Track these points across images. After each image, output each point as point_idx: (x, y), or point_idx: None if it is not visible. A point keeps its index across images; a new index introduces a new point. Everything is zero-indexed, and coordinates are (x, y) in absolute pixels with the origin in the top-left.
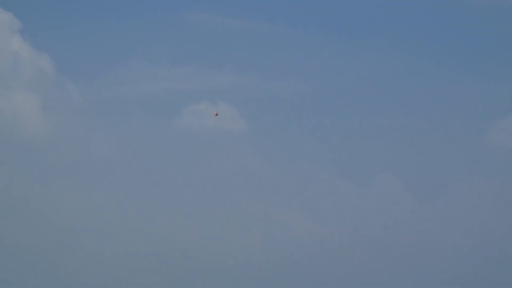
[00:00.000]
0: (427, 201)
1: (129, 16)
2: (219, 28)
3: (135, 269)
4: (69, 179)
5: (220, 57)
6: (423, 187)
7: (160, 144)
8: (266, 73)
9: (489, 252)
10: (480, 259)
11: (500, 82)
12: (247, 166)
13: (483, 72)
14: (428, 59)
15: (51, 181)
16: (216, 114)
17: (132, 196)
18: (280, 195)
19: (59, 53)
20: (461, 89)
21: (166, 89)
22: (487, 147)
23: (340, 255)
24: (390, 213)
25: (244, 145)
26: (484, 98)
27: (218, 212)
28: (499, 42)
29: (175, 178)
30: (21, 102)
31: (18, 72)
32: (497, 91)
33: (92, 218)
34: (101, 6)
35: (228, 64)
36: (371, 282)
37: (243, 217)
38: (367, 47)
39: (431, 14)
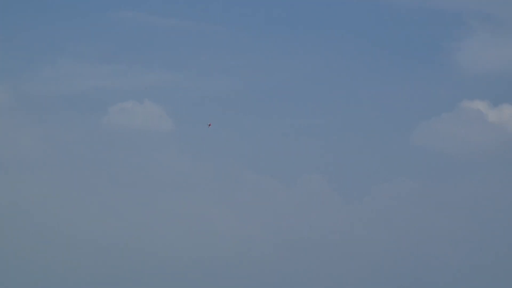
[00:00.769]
0: (353, 201)
1: (57, 14)
2: (146, 26)
3: (60, 267)
4: None
5: (147, 56)
6: (349, 188)
7: (87, 142)
8: (193, 72)
9: (413, 250)
10: (404, 258)
11: (424, 84)
12: (174, 165)
13: (409, 74)
14: (356, 60)
15: None
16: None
17: (59, 194)
18: (207, 194)
19: None
20: (387, 91)
21: (93, 87)
22: (411, 149)
23: (266, 254)
24: (316, 213)
25: (170, 144)
26: (410, 100)
27: (144, 210)
28: (425, 45)
29: (101, 176)
30: None
31: None
32: (422, 93)
33: (19, 216)
34: (28, 4)
35: (155, 63)
36: (297, 282)
37: (169, 215)
38: (296, 47)
39: (360, 15)
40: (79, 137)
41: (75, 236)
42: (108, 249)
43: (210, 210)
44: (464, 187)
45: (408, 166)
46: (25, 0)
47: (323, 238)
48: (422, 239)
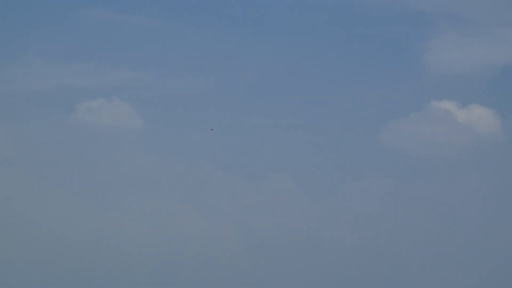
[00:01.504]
0: (321, 200)
1: (23, 11)
2: (114, 25)
3: (21, 264)
4: None
5: (116, 54)
6: (317, 187)
7: (55, 141)
8: (162, 70)
9: (380, 250)
10: (372, 258)
11: (393, 84)
12: (142, 163)
13: (377, 74)
14: (323, 60)
15: None
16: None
17: (24, 193)
18: (175, 193)
19: None
20: (354, 90)
21: (60, 86)
22: (379, 148)
23: (233, 254)
24: (283, 212)
25: (139, 142)
26: (378, 100)
27: (111, 209)
28: (394, 44)
29: (68, 175)
30: None
31: None
32: (390, 93)
33: None
34: None
35: (123, 61)
36: (263, 281)
37: (137, 214)
38: (263, 47)
39: (327, 14)
40: (47, 135)
41: (39, 236)
42: (74, 247)
43: (178, 209)
44: (433, 187)
45: (376, 166)
46: None
47: (291, 237)
48: (389, 239)
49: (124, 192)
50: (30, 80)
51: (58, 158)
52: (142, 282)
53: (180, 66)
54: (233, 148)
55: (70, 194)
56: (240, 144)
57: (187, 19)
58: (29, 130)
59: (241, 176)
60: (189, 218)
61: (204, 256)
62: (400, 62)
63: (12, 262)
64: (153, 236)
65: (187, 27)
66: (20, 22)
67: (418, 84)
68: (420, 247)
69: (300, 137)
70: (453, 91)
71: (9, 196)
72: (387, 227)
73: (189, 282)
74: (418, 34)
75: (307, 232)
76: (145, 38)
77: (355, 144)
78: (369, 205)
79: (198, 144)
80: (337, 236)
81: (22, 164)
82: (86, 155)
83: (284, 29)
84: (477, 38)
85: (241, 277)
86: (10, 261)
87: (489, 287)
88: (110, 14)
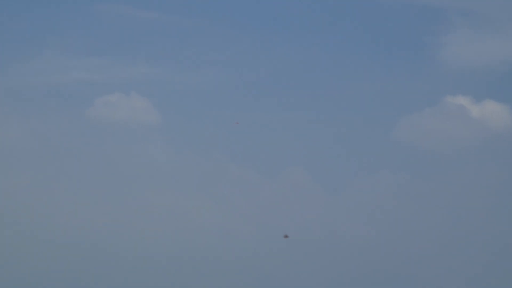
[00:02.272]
0: (336, 194)
1: (42, 6)
2: (132, 20)
3: (44, 262)
4: None
5: (133, 49)
6: (332, 181)
7: (72, 135)
8: (179, 65)
9: (394, 244)
10: (385, 251)
11: (407, 79)
12: (159, 157)
13: (392, 69)
14: (339, 55)
15: None
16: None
17: (43, 187)
18: (191, 187)
19: None
20: (369, 86)
21: (78, 80)
22: (394, 143)
23: (250, 247)
24: (298, 205)
25: (156, 136)
26: (392, 94)
27: (129, 203)
28: (409, 40)
29: (87, 169)
30: None
31: None
32: (405, 88)
33: (4, 209)
34: None
35: (141, 56)
36: (279, 275)
37: (154, 208)
38: (279, 42)
39: (341, 11)
40: (65, 129)
41: (59, 230)
42: (92, 243)
43: (194, 203)
44: (447, 182)
45: (391, 160)
46: None
47: (306, 231)
48: (404, 232)
49: (141, 185)
50: (48, 75)
51: (75, 152)
52: (159, 275)
53: (196, 61)
54: (248, 142)
55: (88, 188)
56: (256, 138)
57: (203, 15)
58: (47, 125)
59: (257, 170)
60: (205, 212)
61: (220, 249)
62: (415, 58)
63: (29, 256)
64: (169, 230)
65: (203, 23)
66: (39, 17)
67: (433, 79)
68: (434, 241)
69: (316, 131)
70: (467, 87)
71: (29, 190)
72: (401, 221)
73: (206, 275)
74: (433, 29)
75: (322, 225)
76: (162, 34)
77: (370, 139)
78: (384, 199)
79: (214, 138)
80: (352, 230)
81: (41, 158)
82: (103, 149)
83: (298, 24)
84: (492, 33)
85: (257, 270)
86: (27, 255)
87: (508, 282)
88: (127, 10)
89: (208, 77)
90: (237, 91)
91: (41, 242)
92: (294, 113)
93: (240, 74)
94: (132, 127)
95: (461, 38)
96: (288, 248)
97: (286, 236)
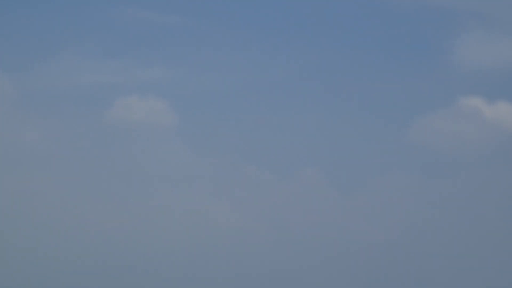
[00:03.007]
0: (350, 195)
1: (60, 8)
2: (149, 23)
3: (64, 262)
4: (1, 173)
5: (150, 52)
6: (346, 181)
7: (91, 137)
8: (196, 67)
9: (409, 245)
10: (399, 252)
11: (420, 81)
12: (177, 159)
13: (405, 69)
14: (352, 57)
15: None
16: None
17: (64, 189)
18: (208, 188)
19: None
20: (383, 86)
21: (96, 82)
22: (408, 144)
23: (265, 249)
24: (313, 207)
25: (174, 138)
26: (406, 96)
27: (148, 205)
28: (421, 40)
29: (106, 171)
30: None
31: None
32: (418, 88)
33: (24, 210)
34: None
35: (158, 59)
36: (294, 277)
37: (172, 210)
38: (294, 45)
39: (354, 13)
40: (83, 131)
41: (80, 231)
42: (111, 243)
43: (211, 204)
44: (461, 184)
45: (405, 161)
46: None
47: (320, 231)
48: (417, 233)
49: (161, 187)
50: (67, 77)
51: (94, 154)
52: (175, 276)
53: (213, 64)
54: (264, 144)
55: (107, 190)
56: (271, 140)
57: (219, 17)
58: (66, 127)
59: (273, 171)
60: (222, 213)
61: (236, 250)
62: (428, 59)
63: (44, 260)
64: (188, 230)
65: (218, 26)
66: (57, 20)
67: (446, 80)
68: (446, 244)
69: (330, 132)
70: (480, 88)
71: (48, 192)
72: (414, 221)
73: (223, 276)
74: (446, 31)
75: (336, 225)
76: (178, 36)
77: (384, 140)
78: (398, 199)
79: (230, 139)
80: (366, 230)
81: (60, 161)
82: (121, 152)
83: (312, 27)
84: (504, 35)
85: (272, 271)
86: (41, 256)
87: None
88: (144, 13)
89: (225, 78)
90: (253, 93)
91: (62, 243)
92: (309, 114)
93: (256, 75)
94: (150, 129)
95: (474, 40)
96: (302, 248)
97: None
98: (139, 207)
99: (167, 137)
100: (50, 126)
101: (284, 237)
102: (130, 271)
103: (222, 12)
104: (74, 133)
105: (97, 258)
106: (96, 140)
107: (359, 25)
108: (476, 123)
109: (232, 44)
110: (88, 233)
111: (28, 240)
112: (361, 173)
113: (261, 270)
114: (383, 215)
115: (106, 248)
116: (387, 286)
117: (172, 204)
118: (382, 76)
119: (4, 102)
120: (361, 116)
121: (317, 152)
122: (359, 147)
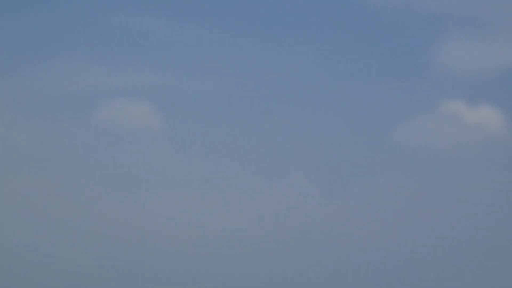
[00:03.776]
0: (337, 197)
1: (51, 14)
2: (137, 28)
3: (55, 265)
4: None
5: (139, 56)
6: (332, 184)
7: (80, 142)
8: (184, 72)
9: (395, 247)
10: (386, 255)
11: (404, 84)
12: (164, 162)
13: (391, 71)
14: (338, 60)
15: None
16: None
17: (55, 192)
18: (198, 192)
19: None
20: (369, 89)
21: (85, 87)
22: (393, 146)
23: (256, 252)
24: (303, 209)
25: (163, 142)
26: (392, 98)
27: (135, 208)
28: (406, 42)
29: (94, 175)
30: None
31: None
32: (404, 91)
33: (17, 214)
34: (23, 4)
35: (146, 63)
36: (285, 280)
37: (159, 214)
38: (281, 49)
39: (340, 15)
40: (72, 136)
41: (67, 235)
42: (101, 247)
43: (201, 207)
44: (444, 184)
45: (390, 164)
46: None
47: (311, 234)
48: (405, 234)
49: (148, 190)
50: (57, 82)
51: (83, 158)
52: (163, 280)
53: (201, 67)
54: (253, 146)
55: (96, 194)
56: (260, 142)
57: (209, 21)
58: (55, 131)
59: (261, 173)
60: (211, 215)
61: (225, 253)
62: (410, 63)
63: (36, 260)
64: (175, 234)
65: (209, 30)
66: (47, 25)
67: (429, 84)
68: (434, 243)
69: (316, 134)
70: (463, 92)
71: (40, 196)
72: (401, 223)
73: (213, 279)
74: (429, 35)
75: (323, 227)
76: (167, 41)
77: (370, 143)
78: (383, 201)
79: (218, 143)
80: (356, 233)
81: (50, 165)
82: (108, 156)
83: (294, 31)
84: (489, 39)
85: (263, 274)
86: (34, 259)
87: (510, 283)
88: (132, 18)
89: (214, 82)
90: (242, 96)
91: (53, 247)
92: (294, 116)
93: (245, 79)
94: (139, 133)
95: (457, 44)
96: (294, 252)
97: None
98: (127, 211)
99: (156, 141)
100: (40, 131)
101: (275, 240)
102: (121, 274)
103: (211, 16)
104: (62, 137)
105: (85, 261)
106: (84, 144)
107: (342, 28)
108: (459, 126)
109: (221, 47)
110: (75, 236)
111: (15, 244)
112: (349, 175)
113: (252, 272)
114: (372, 215)
115: (95, 250)
116: (377, 286)
117: (161, 208)
118: (368, 77)
119: None
120: (347, 118)
121: (307, 154)
122: (345, 149)
